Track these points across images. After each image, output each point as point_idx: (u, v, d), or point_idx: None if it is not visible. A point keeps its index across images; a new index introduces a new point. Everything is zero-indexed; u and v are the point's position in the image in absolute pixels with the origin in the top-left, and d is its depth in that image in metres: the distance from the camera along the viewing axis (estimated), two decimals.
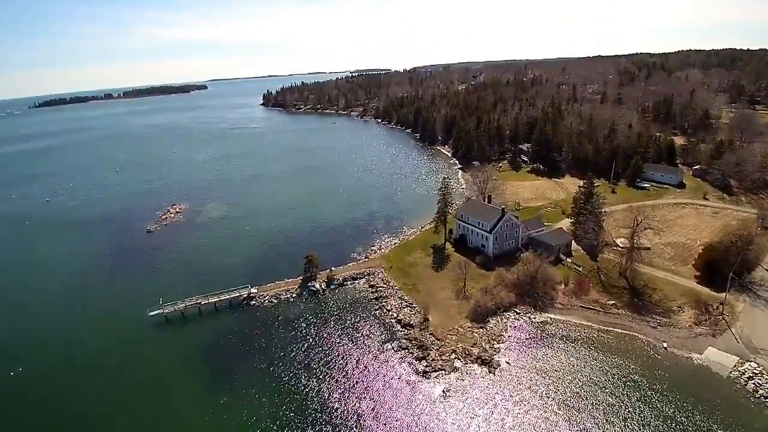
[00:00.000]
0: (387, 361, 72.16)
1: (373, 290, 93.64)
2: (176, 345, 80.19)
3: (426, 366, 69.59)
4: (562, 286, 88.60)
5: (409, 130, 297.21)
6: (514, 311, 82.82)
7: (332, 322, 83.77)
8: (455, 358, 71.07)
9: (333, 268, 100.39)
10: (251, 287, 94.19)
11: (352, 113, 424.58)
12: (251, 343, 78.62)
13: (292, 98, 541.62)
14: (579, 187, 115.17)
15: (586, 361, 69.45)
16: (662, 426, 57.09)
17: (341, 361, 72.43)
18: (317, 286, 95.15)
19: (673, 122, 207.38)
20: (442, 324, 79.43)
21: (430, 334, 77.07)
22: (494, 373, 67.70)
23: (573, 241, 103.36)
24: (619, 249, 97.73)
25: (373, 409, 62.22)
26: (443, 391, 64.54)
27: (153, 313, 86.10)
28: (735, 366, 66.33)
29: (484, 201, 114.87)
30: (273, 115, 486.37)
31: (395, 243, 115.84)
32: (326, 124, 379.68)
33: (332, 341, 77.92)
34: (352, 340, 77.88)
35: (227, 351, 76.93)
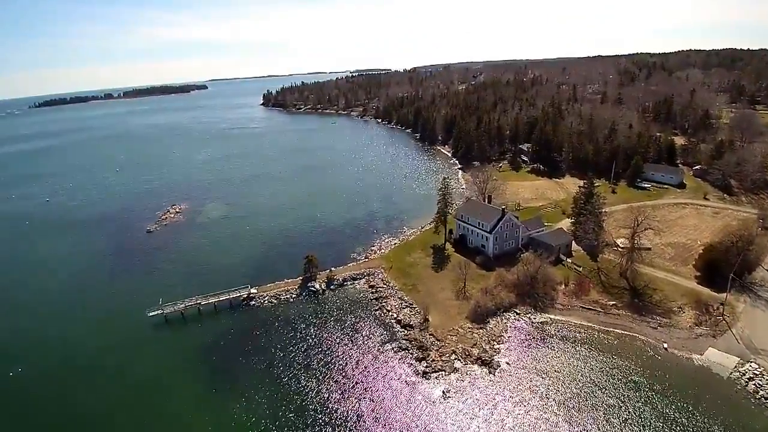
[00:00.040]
0: (387, 361, 72.06)
1: (373, 291, 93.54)
2: (176, 345, 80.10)
3: (426, 367, 69.49)
4: (563, 286, 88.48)
5: (409, 130, 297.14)
6: (514, 312, 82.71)
7: (332, 323, 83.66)
8: (455, 358, 70.96)
9: (333, 269, 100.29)
10: (251, 287, 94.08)
11: (352, 113, 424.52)
12: (251, 343, 78.52)
13: (292, 98, 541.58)
14: (579, 187, 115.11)
15: (587, 362, 69.33)
16: (662, 427, 56.97)
17: (341, 362, 72.33)
18: (317, 286, 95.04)
19: (673, 122, 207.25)
20: (442, 324, 79.33)
21: (430, 334, 76.98)
22: (494, 374, 67.60)
23: (573, 242, 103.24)
24: (620, 249, 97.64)
25: (372, 410, 62.11)
26: (443, 392, 64.42)
27: (153, 313, 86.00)
28: (735, 367, 66.20)
29: (484, 201, 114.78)
30: (273, 115, 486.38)
31: (395, 243, 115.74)
32: (326, 124, 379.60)
33: (332, 342, 77.81)
34: (351, 341, 77.78)
35: (227, 351, 76.84)
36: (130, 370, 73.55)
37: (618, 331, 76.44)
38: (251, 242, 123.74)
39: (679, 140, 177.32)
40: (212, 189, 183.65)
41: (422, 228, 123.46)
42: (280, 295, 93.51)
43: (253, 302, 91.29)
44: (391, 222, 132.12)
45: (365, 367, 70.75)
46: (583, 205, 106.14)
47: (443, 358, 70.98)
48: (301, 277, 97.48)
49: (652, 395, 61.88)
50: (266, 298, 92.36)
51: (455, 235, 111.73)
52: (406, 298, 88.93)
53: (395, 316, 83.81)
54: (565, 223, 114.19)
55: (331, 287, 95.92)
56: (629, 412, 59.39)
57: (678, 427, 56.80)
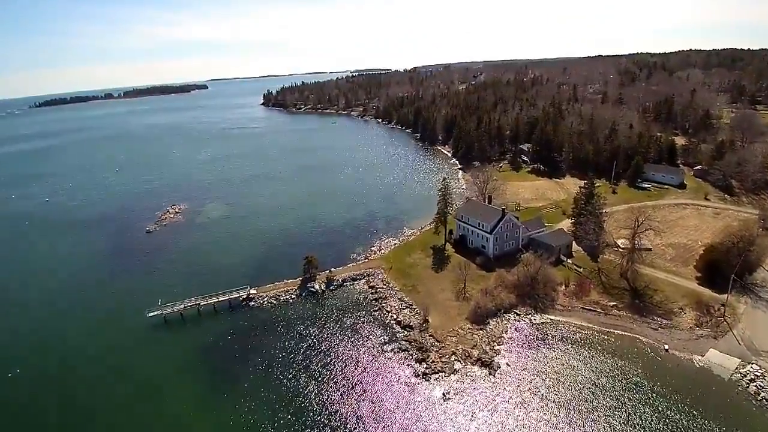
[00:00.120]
0: (386, 362, 71.83)
1: (373, 291, 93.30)
2: (175, 346, 79.87)
3: (426, 368, 69.26)
4: (563, 287, 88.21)
5: (409, 130, 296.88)
6: (515, 312, 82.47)
7: (332, 324, 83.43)
8: (455, 360, 70.71)
9: (333, 269, 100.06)
10: (250, 288, 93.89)
11: (352, 113, 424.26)
12: (250, 344, 78.33)
13: (293, 98, 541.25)
14: (580, 187, 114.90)
15: (587, 363, 69.08)
16: (663, 428, 56.75)
17: (340, 363, 72.10)
18: (317, 287, 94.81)
19: (674, 122, 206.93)
20: (442, 325, 79.09)
21: (429, 335, 76.73)
22: (494, 375, 67.35)
23: (573, 242, 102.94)
24: (620, 250, 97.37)
25: (372, 411, 61.89)
26: (443, 394, 64.17)
27: (152, 314, 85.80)
28: (737, 368, 65.94)
29: (485, 201, 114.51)
30: (273, 115, 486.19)
31: (395, 244, 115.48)
32: (326, 123, 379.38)
33: (332, 342, 77.58)
34: (351, 342, 77.54)
35: (226, 352, 76.65)
36: (130, 370, 73.32)
37: (618, 332, 76.19)
38: (251, 242, 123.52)
39: (680, 140, 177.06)
40: (212, 189, 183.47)
41: (422, 228, 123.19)
42: (279, 295, 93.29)
43: (253, 303, 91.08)
44: (391, 222, 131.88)
45: (365, 368, 70.53)
46: (583, 205, 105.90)
47: (443, 360, 70.74)
48: (300, 278, 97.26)
49: (653, 396, 61.65)
50: (266, 299, 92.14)
51: (455, 236, 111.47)
52: (406, 299, 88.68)
53: (395, 316, 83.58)
54: (566, 224, 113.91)
55: (331, 288, 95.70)
56: (630, 413, 59.16)
57: (678, 429, 56.55)
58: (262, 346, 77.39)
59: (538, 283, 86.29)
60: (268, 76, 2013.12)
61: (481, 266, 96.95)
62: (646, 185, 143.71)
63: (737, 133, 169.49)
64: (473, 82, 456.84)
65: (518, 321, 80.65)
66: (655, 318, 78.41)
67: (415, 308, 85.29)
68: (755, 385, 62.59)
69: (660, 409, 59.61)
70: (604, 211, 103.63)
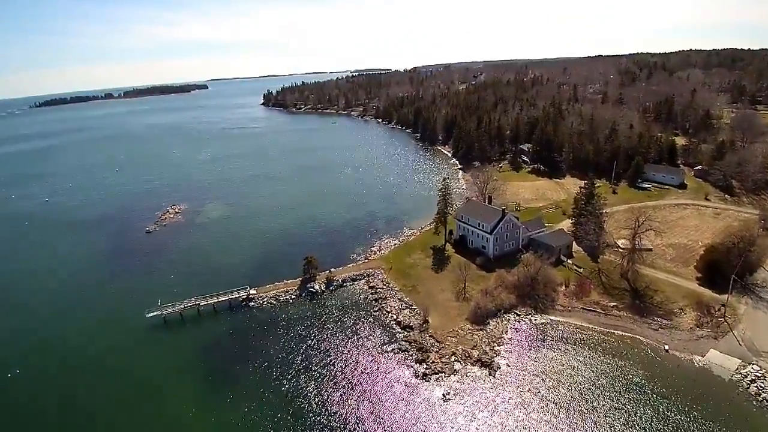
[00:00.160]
0: (386, 363, 71.73)
1: (373, 291, 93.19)
2: (175, 347, 79.77)
3: (426, 368, 69.14)
4: (563, 287, 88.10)
5: (409, 130, 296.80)
6: (515, 313, 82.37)
7: (331, 324, 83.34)
8: (455, 360, 70.60)
9: (332, 269, 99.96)
10: (250, 288, 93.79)
11: (352, 113, 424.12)
12: (250, 344, 78.26)
13: (293, 98, 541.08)
14: (580, 187, 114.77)
15: (587, 364, 68.98)
16: (663, 429, 56.66)
17: (340, 364, 72.00)
18: (317, 287, 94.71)
19: (674, 122, 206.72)
20: (442, 326, 78.98)
21: (429, 336, 76.63)
22: (494, 376, 67.24)
23: (574, 242, 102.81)
24: (620, 250, 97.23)
25: (372, 412, 61.79)
26: (443, 394, 64.06)
27: (151, 314, 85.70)
28: (737, 369, 65.82)
29: (485, 202, 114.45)
30: (273, 115, 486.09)
31: (395, 244, 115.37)
32: (326, 123, 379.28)
33: (332, 343, 77.49)
34: (351, 342, 77.44)
35: (226, 353, 76.54)
36: (129, 371, 73.22)
37: (619, 332, 76.08)
38: (251, 243, 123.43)
39: (680, 140, 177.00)
40: (212, 189, 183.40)
41: (422, 229, 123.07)
42: (279, 296, 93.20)
43: (253, 303, 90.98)
44: (391, 222, 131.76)
45: (365, 369, 70.44)
46: (583, 205, 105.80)
47: (443, 360, 70.64)
48: (300, 278, 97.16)
49: (653, 397, 61.56)
50: (265, 299, 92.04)
51: (455, 236, 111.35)
52: (405, 299, 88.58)
53: (395, 317, 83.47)
54: (566, 224, 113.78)
55: (331, 288, 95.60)
56: (630, 414, 59.06)
57: (679, 430, 56.45)
58: (261, 347, 77.29)
59: (538, 283, 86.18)
60: (268, 76, 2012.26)
61: (481, 266, 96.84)
62: (647, 185, 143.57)
63: (738, 134, 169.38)
64: (473, 82, 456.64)
65: (518, 321, 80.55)
66: (656, 318, 78.28)
67: (415, 309, 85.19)
68: (756, 386, 62.48)
69: (660, 409, 59.51)
70: (604, 211, 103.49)
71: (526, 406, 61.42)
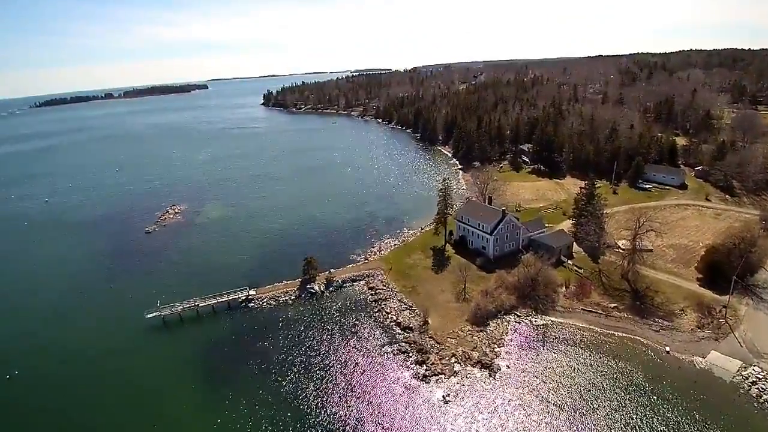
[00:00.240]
0: (386, 364, 71.47)
1: (373, 292, 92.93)
2: (174, 348, 79.55)
3: (425, 370, 68.86)
4: (563, 288, 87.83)
5: (409, 131, 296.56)
6: (515, 314, 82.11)
7: (331, 325, 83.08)
8: (455, 361, 70.32)
9: (332, 270, 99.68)
10: (250, 289, 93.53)
11: (352, 113, 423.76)
12: (249, 345, 77.98)
13: (293, 98, 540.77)
14: (580, 188, 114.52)
15: (588, 365, 68.74)
16: (664, 430, 56.39)
17: (340, 365, 71.74)
18: (316, 288, 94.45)
19: (674, 123, 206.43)
20: (442, 327, 78.73)
21: (429, 337, 76.36)
22: (494, 377, 66.99)
23: (574, 243, 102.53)
24: (621, 251, 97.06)
25: (371, 414, 61.56)
26: (443, 396, 63.80)
27: (150, 315, 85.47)
28: (738, 370, 65.56)
29: (485, 202, 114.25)
30: (273, 115, 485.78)
31: (395, 244, 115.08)
32: (327, 124, 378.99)
33: (331, 344, 77.23)
34: (351, 343, 77.18)
35: (225, 354, 76.27)
36: (128, 372, 72.93)
37: (619, 333, 75.83)
38: (250, 243, 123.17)
39: (681, 141, 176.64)
40: (212, 189, 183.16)
41: (422, 229, 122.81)
42: (279, 296, 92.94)
43: (252, 304, 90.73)
44: (391, 223, 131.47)
45: (364, 370, 70.18)
46: (584, 206, 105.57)
47: (443, 362, 70.37)
48: (300, 279, 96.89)
49: (654, 399, 61.31)
50: (265, 300, 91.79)
51: (455, 237, 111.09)
52: (405, 300, 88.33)
53: (395, 318, 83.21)
54: (566, 225, 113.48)
55: (331, 289, 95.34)
56: (630, 415, 58.82)
57: (680, 431, 56.23)
58: (261, 348, 77.02)
59: (538, 284, 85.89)
60: (268, 76, 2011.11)
61: (482, 267, 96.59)
62: (647, 186, 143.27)
63: (738, 134, 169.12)
64: (473, 82, 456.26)
65: (518, 322, 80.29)
66: (656, 320, 78.01)
67: (414, 309, 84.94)
68: (757, 388, 62.21)
69: (661, 411, 59.26)
70: (604, 211, 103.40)
71: (526, 407, 61.16)
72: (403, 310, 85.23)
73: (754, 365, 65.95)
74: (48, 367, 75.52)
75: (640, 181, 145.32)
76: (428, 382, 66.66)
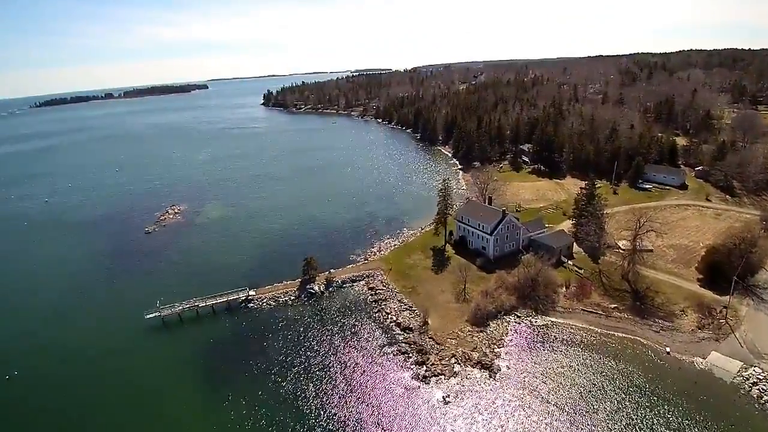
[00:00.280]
0: (386, 365, 71.38)
1: (373, 293, 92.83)
2: (173, 348, 79.46)
3: (425, 371, 68.73)
4: (564, 288, 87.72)
5: (409, 131, 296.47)
6: (515, 314, 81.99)
7: (331, 325, 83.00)
8: (455, 362, 70.21)
9: (332, 270, 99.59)
10: (249, 289, 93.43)
11: (352, 113, 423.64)
12: (249, 346, 77.90)
13: (293, 98, 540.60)
14: (580, 188, 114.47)
15: (588, 366, 68.64)
16: (664, 431, 56.34)
17: (340, 366, 71.63)
18: (316, 288, 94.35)
19: (674, 123, 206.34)
20: (441, 327, 78.62)
21: (429, 338, 76.25)
22: (494, 378, 66.88)
23: (574, 243, 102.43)
24: (621, 251, 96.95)
25: (371, 415, 61.45)
26: (443, 397, 63.71)
27: (150, 315, 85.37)
28: (739, 371, 65.44)
29: (485, 202, 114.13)
30: (273, 115, 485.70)
31: (395, 245, 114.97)
32: (327, 124, 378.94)
33: (331, 345, 77.14)
34: (350, 344, 77.08)
35: (225, 354, 76.18)
36: (128, 372, 72.86)
37: (620, 334, 75.71)
38: (250, 243, 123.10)
39: (681, 141, 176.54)
40: (212, 189, 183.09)
41: (422, 229, 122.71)
42: (278, 297, 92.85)
43: (252, 304, 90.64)
44: (391, 223, 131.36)
45: (364, 371, 70.08)
46: (584, 206, 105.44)
47: (443, 362, 70.27)
48: (300, 279, 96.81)
49: (654, 399, 61.21)
50: (265, 300, 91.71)
51: (455, 237, 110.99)
52: (405, 301, 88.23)
53: (395, 318, 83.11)
54: (566, 225, 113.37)
55: (330, 289, 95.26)
56: (631, 416, 58.73)
57: None
58: (260, 348, 76.92)
59: (538, 284, 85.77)
60: (268, 76, 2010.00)
61: (482, 267, 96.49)
62: (647, 186, 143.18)
63: (738, 134, 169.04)
64: (473, 82, 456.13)
65: (519, 323, 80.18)
66: (657, 320, 77.92)
67: (414, 310, 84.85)
68: (758, 389, 62.08)
69: (661, 412, 59.17)
70: (604, 212, 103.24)
71: (526, 408, 61.07)
72: (403, 311, 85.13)
73: (755, 366, 65.82)
74: (48, 367, 75.47)
75: (640, 181, 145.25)
76: (428, 383, 66.56)
